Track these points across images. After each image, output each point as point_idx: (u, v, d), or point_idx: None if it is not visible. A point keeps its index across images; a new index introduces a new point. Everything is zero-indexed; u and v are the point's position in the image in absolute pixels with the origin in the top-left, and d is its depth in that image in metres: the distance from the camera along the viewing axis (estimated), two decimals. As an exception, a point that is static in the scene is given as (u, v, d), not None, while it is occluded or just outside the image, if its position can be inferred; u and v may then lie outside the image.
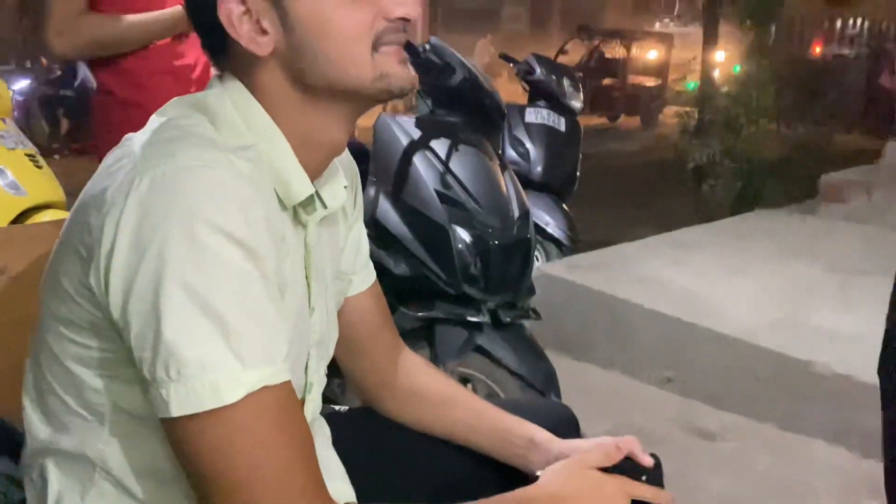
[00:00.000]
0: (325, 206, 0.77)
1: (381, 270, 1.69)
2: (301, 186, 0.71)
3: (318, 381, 0.82)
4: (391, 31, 0.69)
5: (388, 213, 1.71)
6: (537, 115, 3.28)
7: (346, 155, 0.87)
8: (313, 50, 0.68)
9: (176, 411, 0.59)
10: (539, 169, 3.21)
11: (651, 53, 10.10)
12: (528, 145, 3.24)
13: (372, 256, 1.70)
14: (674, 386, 2.33)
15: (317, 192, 0.75)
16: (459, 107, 1.82)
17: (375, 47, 0.69)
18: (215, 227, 0.59)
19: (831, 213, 3.46)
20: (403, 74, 0.71)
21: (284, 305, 0.67)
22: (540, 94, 3.33)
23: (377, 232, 1.72)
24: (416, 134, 1.75)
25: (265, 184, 0.68)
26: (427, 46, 1.76)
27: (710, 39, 5.59)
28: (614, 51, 9.57)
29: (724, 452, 2.02)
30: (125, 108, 1.56)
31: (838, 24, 10.34)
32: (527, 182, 3.13)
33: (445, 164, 1.72)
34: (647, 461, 0.79)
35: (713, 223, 3.42)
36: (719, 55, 5.76)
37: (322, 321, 0.80)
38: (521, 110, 3.31)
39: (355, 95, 0.71)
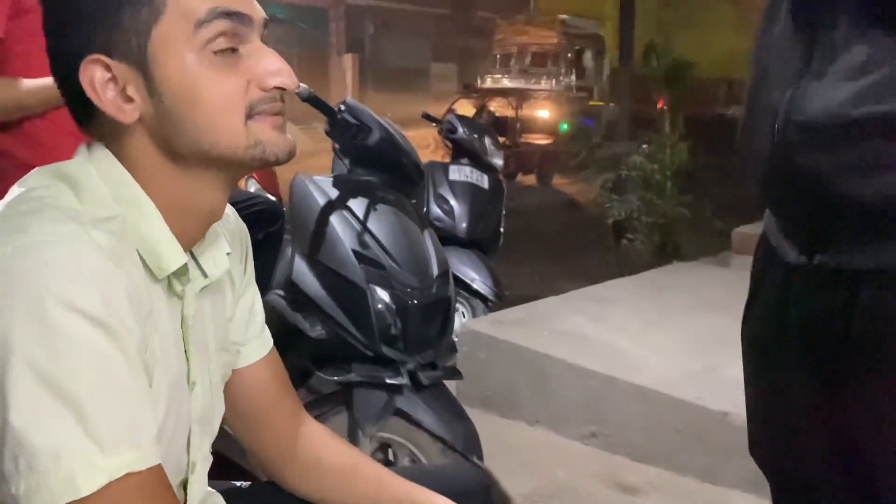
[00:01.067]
0: (205, 275, 0.74)
1: (296, 333, 1.68)
2: (172, 256, 0.68)
3: (203, 459, 0.78)
4: (266, 101, 0.68)
5: (304, 274, 1.68)
6: (460, 172, 3.34)
7: (235, 220, 0.85)
8: (183, 118, 0.66)
9: None
10: (464, 225, 3.25)
11: (539, 112, 10.00)
12: (453, 203, 3.29)
13: (287, 319, 1.69)
14: (597, 441, 2.34)
15: (196, 261, 0.73)
16: (377, 166, 1.82)
17: (250, 115, 0.68)
18: (68, 305, 0.56)
19: (743, 266, 3.59)
20: (279, 141, 0.69)
21: (154, 383, 0.64)
22: (463, 152, 3.40)
23: (293, 294, 1.69)
24: (334, 193, 1.74)
25: (129, 256, 0.65)
26: (342, 107, 1.77)
27: (622, 99, 5.84)
28: (503, 109, 9.62)
29: (648, 507, 2.03)
30: (26, 171, 1.50)
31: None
32: (452, 239, 3.16)
33: (363, 223, 1.71)
34: None
35: (632, 277, 3.51)
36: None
37: (205, 396, 0.76)
38: (444, 168, 3.36)
39: (228, 163, 0.69)
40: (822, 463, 0.93)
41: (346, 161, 1.85)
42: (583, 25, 11.66)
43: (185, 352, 0.73)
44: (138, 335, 0.61)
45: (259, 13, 0.69)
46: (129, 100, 0.66)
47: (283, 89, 0.69)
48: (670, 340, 2.64)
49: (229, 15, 0.66)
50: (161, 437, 0.62)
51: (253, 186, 3.42)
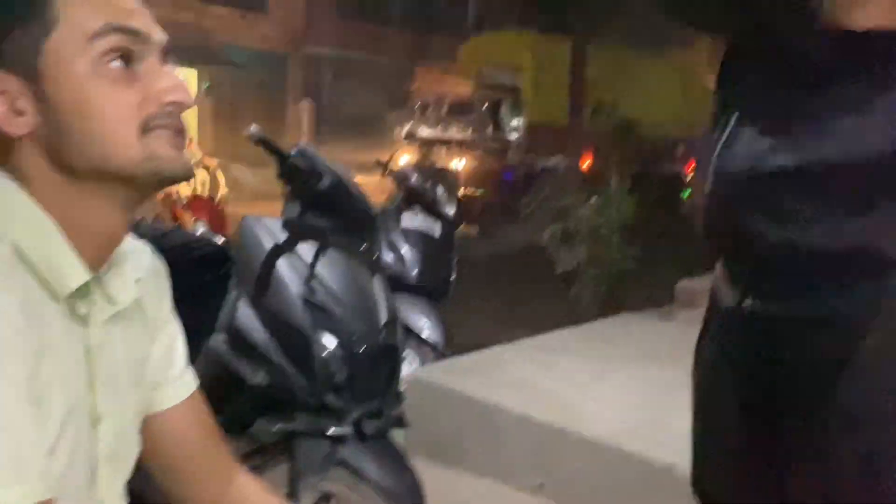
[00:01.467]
0: (112, 303, 0.71)
1: (237, 380, 1.63)
2: (72, 273, 0.66)
3: (115, 498, 0.73)
4: (163, 116, 0.68)
5: (248, 318, 1.64)
6: (413, 220, 3.35)
7: (151, 257, 0.82)
8: (74, 131, 0.65)
9: None
10: (415, 273, 3.24)
11: (463, 164, 9.67)
12: (405, 250, 3.28)
13: (228, 366, 1.64)
14: (546, 492, 2.32)
15: (102, 288, 0.70)
16: (328, 211, 1.81)
17: (145, 130, 0.67)
18: None
19: (686, 319, 3.67)
20: (175, 157, 0.68)
21: (44, 411, 0.61)
22: (415, 199, 3.42)
23: (235, 339, 1.64)
24: (283, 236, 1.72)
25: (20, 278, 0.63)
26: (294, 151, 1.76)
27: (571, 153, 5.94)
28: (443, 159, 9.56)
29: (594, 561, 2.01)
30: None
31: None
32: (403, 286, 3.15)
33: (311, 268, 1.68)
34: None
35: (581, 326, 3.54)
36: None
37: (116, 432, 0.72)
38: (397, 215, 3.36)
39: (123, 179, 0.68)
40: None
41: (297, 205, 1.84)
42: (501, 77, 11.50)
43: (91, 384, 0.69)
44: (29, 360, 0.59)
45: (158, 34, 0.69)
46: (20, 113, 0.65)
47: (179, 104, 0.69)
48: (617, 391, 2.66)
49: (123, 31, 0.66)
50: (54, 470, 0.59)
51: (201, 228, 3.35)
